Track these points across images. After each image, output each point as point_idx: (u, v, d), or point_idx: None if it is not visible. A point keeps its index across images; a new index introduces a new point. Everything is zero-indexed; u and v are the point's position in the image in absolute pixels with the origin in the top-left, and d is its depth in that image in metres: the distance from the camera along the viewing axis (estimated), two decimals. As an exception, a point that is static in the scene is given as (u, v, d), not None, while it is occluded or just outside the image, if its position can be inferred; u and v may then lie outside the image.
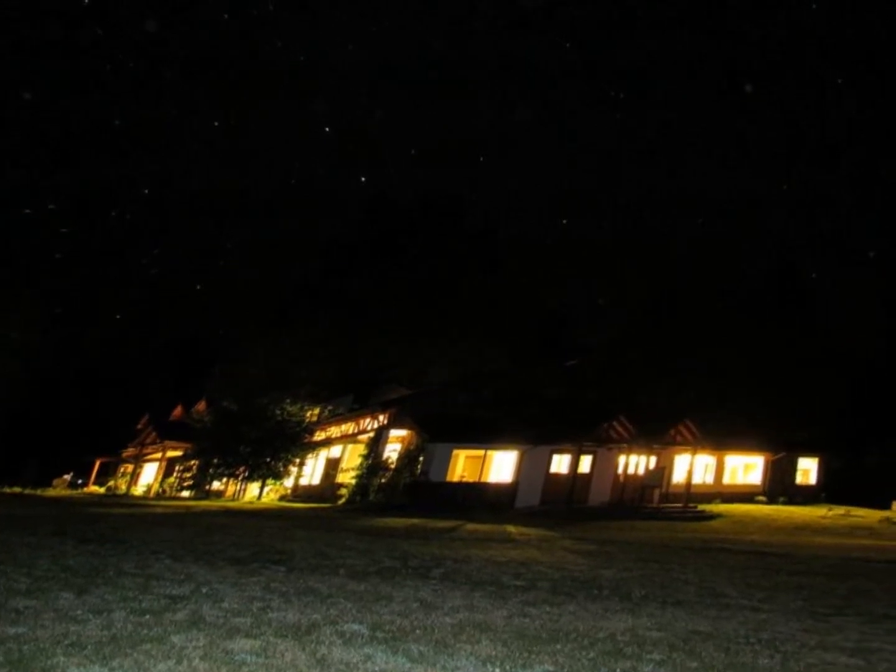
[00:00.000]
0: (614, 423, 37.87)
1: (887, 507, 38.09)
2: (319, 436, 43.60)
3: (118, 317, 74.14)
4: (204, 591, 9.20)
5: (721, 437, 41.32)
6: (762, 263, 69.55)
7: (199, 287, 78.46)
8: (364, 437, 39.52)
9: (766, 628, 8.81)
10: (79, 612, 7.52)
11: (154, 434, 50.48)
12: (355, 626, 7.54)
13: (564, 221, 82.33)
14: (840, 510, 37.12)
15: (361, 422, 40.79)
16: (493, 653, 6.78)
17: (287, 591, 9.50)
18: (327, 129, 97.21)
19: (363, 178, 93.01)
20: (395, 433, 38.44)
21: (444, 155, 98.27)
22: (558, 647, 7.17)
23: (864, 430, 51.94)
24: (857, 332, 59.01)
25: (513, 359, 54.11)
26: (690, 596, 11.15)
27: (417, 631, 7.52)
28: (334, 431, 43.14)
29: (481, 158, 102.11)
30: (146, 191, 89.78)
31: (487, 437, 36.63)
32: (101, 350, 72.28)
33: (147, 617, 7.44)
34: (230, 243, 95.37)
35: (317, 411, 43.82)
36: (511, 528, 24.03)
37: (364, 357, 55.86)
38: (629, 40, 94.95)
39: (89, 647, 6.16)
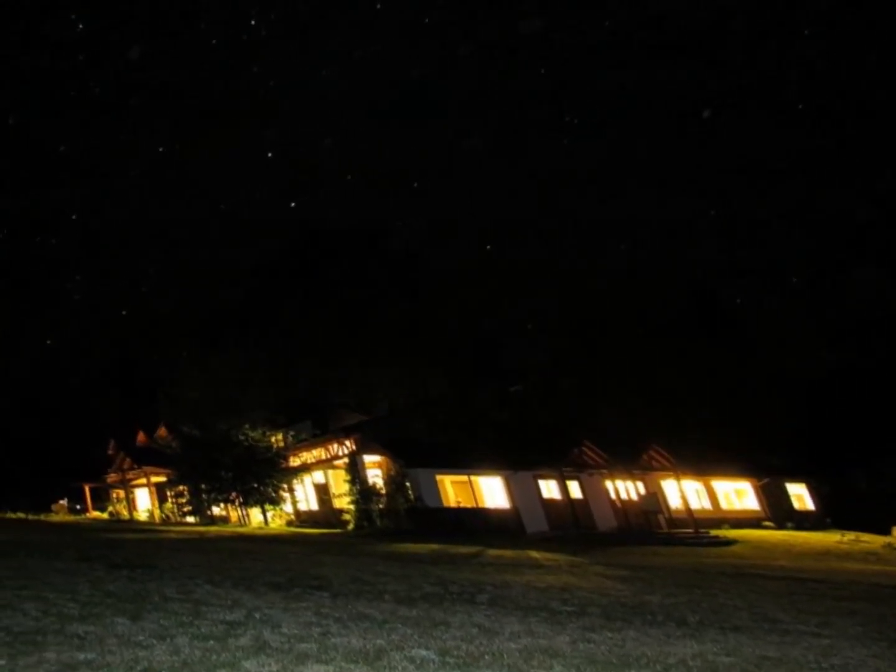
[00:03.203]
0: (584, 449, 37.99)
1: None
2: (294, 462, 43.30)
3: (49, 342, 73.89)
4: (257, 616, 9.02)
5: (696, 463, 41.36)
6: (682, 289, 69.40)
7: (124, 313, 78.35)
8: (340, 462, 39.26)
9: (834, 654, 8.65)
10: (141, 637, 7.35)
11: (129, 460, 50.03)
12: (423, 652, 7.36)
13: (489, 247, 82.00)
14: (851, 535, 36.96)
15: (330, 447, 40.54)
16: (571, 679, 6.60)
17: (341, 617, 9.32)
18: (270, 154, 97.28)
19: (293, 204, 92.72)
20: (369, 458, 38.19)
21: (381, 181, 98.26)
22: (634, 672, 6.99)
23: (836, 453, 51.82)
24: (789, 357, 59.21)
25: (451, 384, 53.71)
26: (746, 621, 10.96)
27: (487, 657, 7.35)
28: (308, 457, 42.79)
29: (415, 184, 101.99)
30: (74, 217, 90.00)
31: (464, 462, 36.74)
32: (38, 377, 71.55)
33: (211, 643, 7.27)
34: (152, 269, 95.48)
35: (280, 437, 43.55)
36: (535, 554, 23.79)
37: (303, 382, 55.75)
38: (604, 66, 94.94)
39: (165, 672, 5.99)
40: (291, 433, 44.03)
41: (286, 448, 43.03)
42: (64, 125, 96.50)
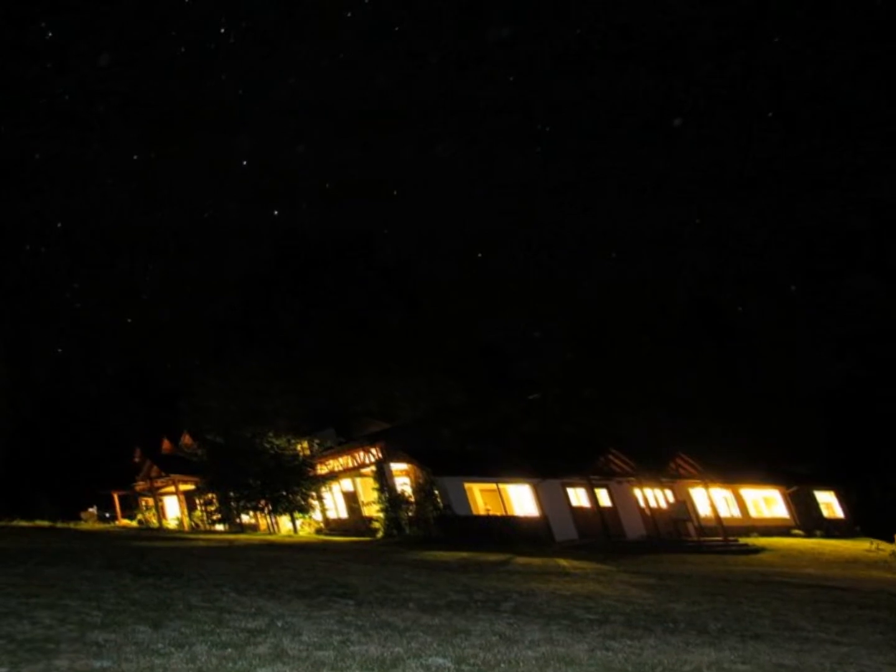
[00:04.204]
0: (610, 457, 37.90)
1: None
2: (321, 469, 43.16)
3: (60, 350, 74.05)
4: (279, 624, 9.07)
5: (724, 471, 41.10)
6: (682, 297, 69.34)
7: (129, 320, 78.37)
8: (367, 470, 39.16)
9: (850, 662, 8.63)
10: (160, 645, 7.42)
11: (156, 468, 49.91)
12: (440, 660, 7.40)
13: (480, 255, 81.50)
14: (878, 543, 36.74)
15: (357, 455, 40.43)
16: (585, 687, 6.62)
17: (363, 625, 9.36)
18: (245, 162, 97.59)
19: (276, 213, 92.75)
20: (396, 466, 38.10)
21: (359, 190, 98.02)
22: (649, 681, 7.00)
23: (854, 461, 51.57)
24: (797, 365, 59.06)
25: (465, 391, 53.45)
26: (767, 629, 10.94)
27: (503, 665, 7.37)
28: (335, 465, 42.58)
29: (395, 192, 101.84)
30: (59, 225, 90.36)
31: (492, 470, 36.66)
32: (55, 386, 71.61)
33: (229, 650, 7.33)
34: (147, 277, 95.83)
35: (305, 444, 43.48)
36: (562, 562, 23.73)
37: (320, 390, 55.62)
38: (573, 74, 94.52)
39: (180, 680, 6.06)
40: (316, 441, 43.96)
41: (312, 456, 42.97)
42: (34, 133, 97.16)
